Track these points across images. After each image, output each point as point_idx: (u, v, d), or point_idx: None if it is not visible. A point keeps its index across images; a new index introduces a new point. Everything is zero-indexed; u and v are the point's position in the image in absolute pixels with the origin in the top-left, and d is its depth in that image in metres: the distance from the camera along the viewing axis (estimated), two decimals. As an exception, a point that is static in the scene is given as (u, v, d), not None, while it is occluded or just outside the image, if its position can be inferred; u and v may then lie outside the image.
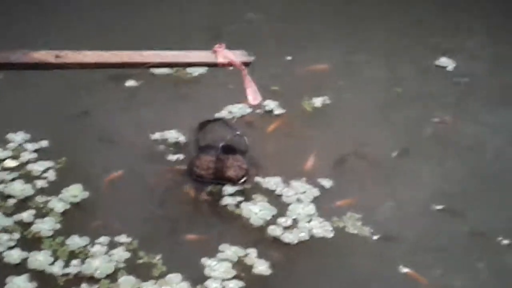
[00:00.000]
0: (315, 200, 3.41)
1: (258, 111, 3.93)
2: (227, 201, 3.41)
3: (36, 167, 3.52)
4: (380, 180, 3.60)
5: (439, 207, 3.45)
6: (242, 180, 3.50)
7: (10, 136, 3.69)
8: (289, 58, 4.45)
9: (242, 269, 3.08)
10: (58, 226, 3.22)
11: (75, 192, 3.40)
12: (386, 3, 5.00)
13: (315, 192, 3.45)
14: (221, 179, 3.49)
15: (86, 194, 3.39)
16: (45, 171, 3.51)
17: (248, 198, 3.43)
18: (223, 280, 3.01)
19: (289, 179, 3.51)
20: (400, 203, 3.47)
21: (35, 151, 3.62)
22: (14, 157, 3.58)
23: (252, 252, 3.15)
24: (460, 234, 3.33)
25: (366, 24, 4.79)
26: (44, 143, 3.67)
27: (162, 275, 3.02)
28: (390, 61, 4.47)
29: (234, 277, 3.03)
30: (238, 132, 3.58)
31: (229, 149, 3.51)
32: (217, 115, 3.85)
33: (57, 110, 3.91)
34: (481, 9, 4.94)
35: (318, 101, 4.08)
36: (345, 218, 3.33)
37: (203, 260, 3.09)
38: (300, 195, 3.44)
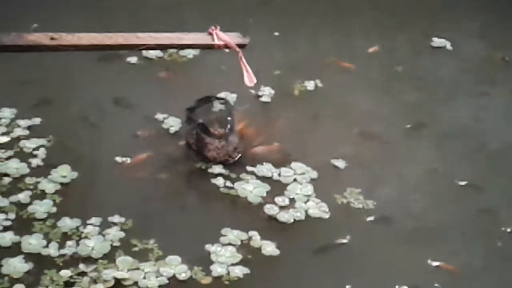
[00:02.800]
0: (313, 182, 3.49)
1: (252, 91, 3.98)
2: (219, 181, 3.47)
3: (28, 144, 3.59)
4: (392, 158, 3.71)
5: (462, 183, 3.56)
6: (229, 162, 3.55)
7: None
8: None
9: (249, 252, 3.15)
10: (54, 209, 3.26)
11: (63, 172, 3.45)
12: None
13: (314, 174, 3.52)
14: (204, 156, 3.55)
15: (74, 175, 3.44)
16: (36, 148, 3.58)
17: (238, 179, 3.50)
18: (230, 265, 3.07)
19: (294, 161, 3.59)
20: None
21: (28, 128, 3.69)
22: (7, 133, 3.65)
23: (255, 234, 3.22)
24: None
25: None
26: (36, 120, 3.73)
27: (160, 258, 3.08)
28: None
29: (241, 261, 3.09)
30: (229, 118, 3.60)
31: (206, 130, 3.55)
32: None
33: (47, 89, 3.97)
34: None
35: (310, 85, 4.14)
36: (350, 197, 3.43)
37: (207, 246, 3.14)
38: (298, 176, 3.52)
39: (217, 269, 3.05)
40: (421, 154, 3.74)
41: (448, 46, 4.52)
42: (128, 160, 3.56)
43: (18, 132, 3.66)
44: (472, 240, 3.29)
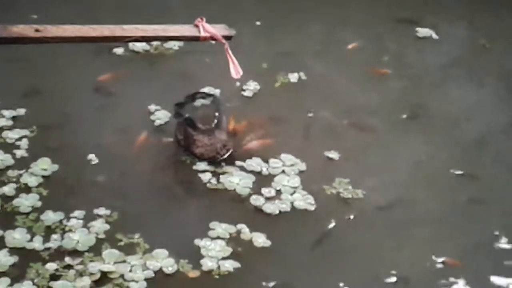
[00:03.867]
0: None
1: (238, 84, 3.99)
2: (206, 176, 3.48)
3: (11, 135, 3.61)
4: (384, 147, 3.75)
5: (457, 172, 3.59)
6: (218, 159, 3.55)
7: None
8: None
9: (239, 244, 3.17)
10: (39, 203, 3.27)
11: (44, 165, 3.46)
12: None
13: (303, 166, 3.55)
14: (191, 153, 3.56)
15: (55, 167, 3.46)
16: (19, 139, 3.60)
17: (223, 172, 3.52)
18: (220, 259, 3.08)
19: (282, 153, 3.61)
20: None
21: (12, 118, 3.72)
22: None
23: (243, 227, 3.24)
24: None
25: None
26: (21, 111, 3.75)
27: (146, 251, 3.10)
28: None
29: (232, 255, 3.11)
30: (216, 114, 3.59)
31: (193, 124, 3.54)
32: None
33: (33, 80, 3.99)
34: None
35: (294, 77, 4.17)
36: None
37: (196, 241, 3.15)
38: (286, 167, 3.54)
39: (208, 263, 3.07)
40: (413, 144, 3.78)
41: (434, 35, 4.57)
42: (113, 153, 3.58)
43: (1, 122, 3.69)
44: (463, 230, 3.33)
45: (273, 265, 3.12)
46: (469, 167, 3.63)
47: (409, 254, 3.20)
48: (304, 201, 3.38)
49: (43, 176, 3.41)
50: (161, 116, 3.81)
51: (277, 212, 3.33)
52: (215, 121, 3.57)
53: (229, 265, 3.07)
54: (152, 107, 3.85)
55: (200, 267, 3.05)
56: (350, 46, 4.45)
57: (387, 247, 3.23)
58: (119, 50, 4.23)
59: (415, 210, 3.40)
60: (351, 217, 3.34)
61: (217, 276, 3.03)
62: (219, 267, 3.06)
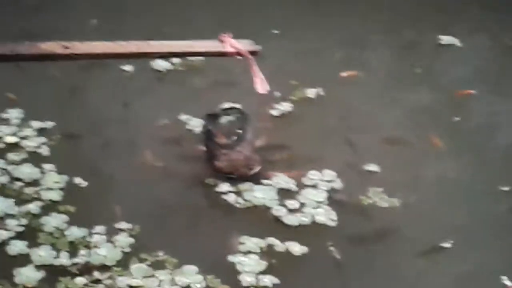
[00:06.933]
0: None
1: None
2: (231, 197, 3.56)
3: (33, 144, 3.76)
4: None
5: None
6: (236, 176, 3.61)
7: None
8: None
9: (275, 256, 3.26)
10: (65, 225, 3.35)
11: (55, 178, 3.58)
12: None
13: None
14: (211, 166, 3.63)
15: (65, 178, 3.57)
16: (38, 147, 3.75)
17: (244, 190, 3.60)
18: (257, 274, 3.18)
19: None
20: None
21: (40, 130, 3.86)
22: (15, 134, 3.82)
23: (273, 239, 3.33)
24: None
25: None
26: (49, 124, 3.89)
27: (176, 267, 3.19)
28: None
29: (267, 268, 3.21)
30: (240, 130, 3.62)
31: (211, 137, 3.61)
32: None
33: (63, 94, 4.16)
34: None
35: (311, 92, 4.25)
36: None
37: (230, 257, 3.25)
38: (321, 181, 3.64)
39: (246, 279, 3.17)
40: (445, 158, 3.86)
41: (457, 43, 4.67)
42: (136, 164, 3.72)
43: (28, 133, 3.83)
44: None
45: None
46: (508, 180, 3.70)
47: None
48: (326, 216, 3.47)
49: (61, 189, 3.53)
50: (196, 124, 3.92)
51: (297, 224, 3.43)
52: (234, 137, 3.61)
53: (268, 280, 3.17)
54: (185, 117, 3.97)
55: (235, 283, 3.15)
56: (374, 58, 4.56)
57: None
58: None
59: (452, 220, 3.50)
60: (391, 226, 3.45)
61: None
62: (257, 282, 3.16)
